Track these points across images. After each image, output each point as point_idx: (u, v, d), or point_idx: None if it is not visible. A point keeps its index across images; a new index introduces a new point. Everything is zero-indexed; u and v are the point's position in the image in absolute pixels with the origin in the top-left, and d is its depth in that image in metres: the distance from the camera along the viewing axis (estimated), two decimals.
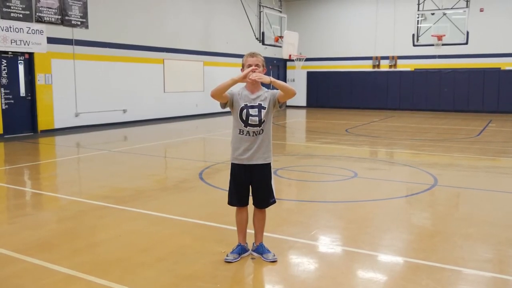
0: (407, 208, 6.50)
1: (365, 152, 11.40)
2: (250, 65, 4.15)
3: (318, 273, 4.18)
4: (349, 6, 25.54)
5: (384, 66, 25.06)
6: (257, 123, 4.18)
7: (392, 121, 19.09)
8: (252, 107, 4.18)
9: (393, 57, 24.73)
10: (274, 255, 4.35)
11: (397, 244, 4.96)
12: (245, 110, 4.17)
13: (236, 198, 4.34)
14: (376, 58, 25.11)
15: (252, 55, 4.21)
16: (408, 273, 4.19)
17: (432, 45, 20.52)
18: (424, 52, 22.99)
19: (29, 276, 4.05)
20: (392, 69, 24.84)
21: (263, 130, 4.22)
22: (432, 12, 20.51)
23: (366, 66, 25.49)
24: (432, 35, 20.40)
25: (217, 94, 4.09)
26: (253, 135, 4.21)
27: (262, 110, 4.18)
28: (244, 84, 4.23)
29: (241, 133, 4.23)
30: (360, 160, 10.06)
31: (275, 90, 4.23)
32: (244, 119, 4.18)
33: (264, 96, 4.21)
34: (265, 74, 4.20)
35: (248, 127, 4.19)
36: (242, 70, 4.20)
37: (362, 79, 25.45)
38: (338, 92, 26.03)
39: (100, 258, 4.47)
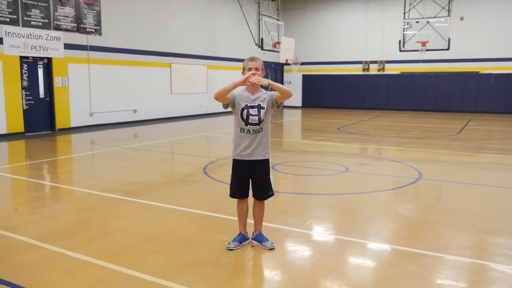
0: (393, 200, 6.50)
1: (355, 149, 11.39)
2: (250, 69, 4.14)
3: (313, 260, 4.18)
4: (341, 15, 25.47)
5: (373, 69, 25.02)
6: (257, 122, 4.17)
7: (380, 120, 19.07)
8: (252, 107, 4.17)
9: (381, 62, 24.69)
10: (272, 243, 4.35)
11: (385, 233, 4.97)
12: (245, 110, 4.17)
13: (237, 191, 4.34)
14: (366, 62, 25.07)
15: (252, 59, 4.20)
16: (395, 259, 4.19)
17: (417, 50, 20.48)
18: (409, 57, 22.95)
19: (48, 262, 4.05)
20: (380, 73, 24.80)
21: (262, 128, 4.21)
22: (417, 20, 20.45)
23: (356, 70, 25.45)
24: (417, 42, 20.37)
25: (220, 97, 4.09)
26: (253, 133, 4.20)
27: (261, 110, 4.17)
28: (245, 86, 4.23)
29: (242, 131, 4.22)
30: (351, 156, 10.06)
31: (273, 92, 4.22)
32: (245, 118, 4.17)
33: (263, 97, 4.20)
34: (264, 77, 4.19)
35: (248, 125, 4.18)
36: (243, 73, 4.19)
37: (353, 81, 25.42)
38: (331, 93, 26.00)
39: (112, 246, 4.47)
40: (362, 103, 25.11)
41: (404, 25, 20.65)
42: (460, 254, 4.27)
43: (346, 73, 25.65)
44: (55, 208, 6.05)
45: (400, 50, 20.86)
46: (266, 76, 4.26)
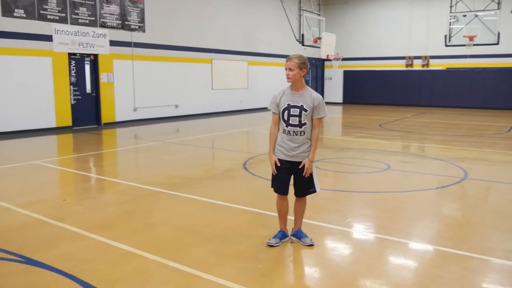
0: (437, 200, 6.32)
1: (397, 146, 11.14)
2: (285, 69, 4.14)
3: (352, 258, 4.13)
4: (384, 9, 24.90)
5: (417, 65, 24.33)
6: (297, 123, 4.12)
7: (424, 117, 18.56)
8: (295, 107, 4.12)
9: (425, 57, 23.98)
10: (311, 240, 4.33)
11: (428, 233, 4.84)
12: (287, 111, 4.13)
13: (278, 187, 4.33)
14: (409, 57, 24.41)
15: (288, 59, 4.17)
16: (438, 260, 4.08)
17: (464, 45, 19.75)
18: (456, 52, 22.15)
19: (94, 251, 4.20)
20: (425, 68, 24.09)
21: (304, 132, 4.14)
22: (464, 14, 19.73)
23: (399, 66, 24.83)
24: (464, 36, 19.64)
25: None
26: (293, 135, 4.16)
27: (303, 111, 4.11)
28: (289, 84, 4.21)
29: (284, 132, 4.20)
30: (393, 154, 9.85)
31: (317, 103, 4.11)
32: (286, 119, 4.14)
33: (308, 99, 4.12)
34: (304, 75, 4.15)
35: (289, 127, 4.15)
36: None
37: (395, 77, 24.82)
38: (373, 89, 25.52)
39: (154, 237, 4.58)
40: (405, 100, 24.50)
41: (450, 19, 19.97)
42: (508, 258, 4.10)
43: (388, 69, 25.09)
44: (101, 200, 6.26)
45: (446, 45, 20.19)
46: (307, 72, 4.21)
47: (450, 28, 19.96)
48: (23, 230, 3.82)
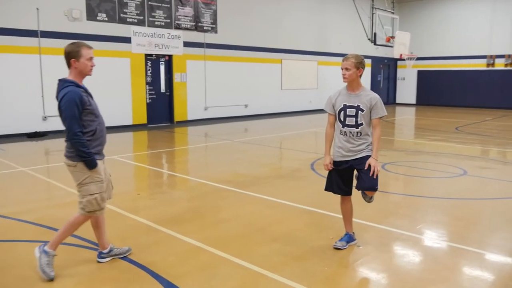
0: None
1: (475, 151, 10.50)
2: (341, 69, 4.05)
3: (423, 266, 3.95)
4: (463, 5, 23.56)
5: (499, 64, 22.77)
6: (354, 124, 4.02)
7: (506, 120, 17.34)
8: (351, 107, 4.02)
9: (509, 56, 22.39)
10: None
11: (508, 245, 4.50)
12: (343, 111, 4.05)
13: (335, 188, 4.23)
14: (491, 56, 22.90)
15: (344, 58, 4.07)
16: None
17: None
18: None
19: (165, 244, 4.36)
20: (508, 68, 22.49)
21: (361, 132, 4.04)
22: None
23: (479, 65, 23.38)
24: None
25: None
26: (350, 135, 4.06)
27: (359, 112, 4.00)
28: (346, 84, 4.12)
29: (341, 133, 4.12)
30: (470, 158, 9.30)
31: (374, 101, 4.00)
32: (342, 120, 4.06)
33: (365, 99, 4.01)
34: (361, 75, 4.04)
35: (345, 127, 4.06)
36: None
37: (474, 77, 23.40)
38: (449, 90, 24.26)
39: (222, 234, 4.68)
40: (484, 101, 23.03)
41: None
42: None
43: (466, 69, 23.72)
44: (172, 195, 6.50)
45: None
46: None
47: None
48: None
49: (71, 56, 3.59)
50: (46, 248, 3.63)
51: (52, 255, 3.63)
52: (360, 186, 4.14)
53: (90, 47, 3.68)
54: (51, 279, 3.54)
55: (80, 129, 3.51)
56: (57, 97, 3.60)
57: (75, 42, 3.67)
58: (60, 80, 3.64)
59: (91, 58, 3.66)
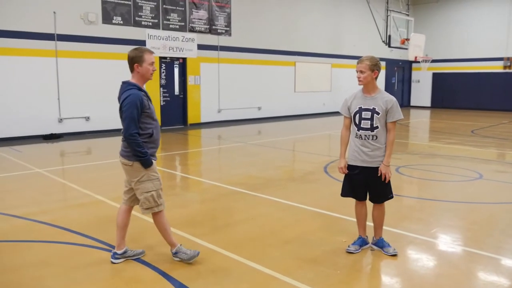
0: None
1: (491, 154, 10.35)
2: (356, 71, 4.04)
3: (437, 271, 3.90)
4: (479, 7, 23.26)
5: None
6: (369, 127, 3.99)
7: None
8: (366, 110, 4.00)
9: None
10: (394, 249, 4.16)
11: None
12: (358, 114, 4.03)
13: (352, 193, 4.22)
14: (508, 58, 22.56)
15: (359, 61, 4.03)
16: None
17: None
18: None
19: None
20: None
21: (376, 136, 4.00)
22: None
23: (495, 67, 23.06)
24: None
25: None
26: (365, 139, 4.03)
27: (375, 114, 3.97)
28: (361, 86, 4.10)
29: (356, 136, 4.09)
30: (486, 162, 9.17)
31: (390, 104, 3.96)
32: (357, 122, 4.04)
33: (381, 102, 3.98)
34: (376, 77, 4.01)
35: (360, 130, 4.04)
36: None
37: (491, 80, 23.08)
38: (465, 93, 23.95)
39: (234, 236, 4.68)
40: (501, 104, 22.69)
41: None
42: None
43: (483, 71, 23.40)
44: (185, 197, 6.53)
45: None
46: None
47: None
48: (113, 222, 4.11)
49: (134, 61, 3.72)
50: (172, 250, 3.98)
51: (179, 250, 3.95)
52: (372, 199, 4.21)
53: (152, 52, 3.82)
54: (196, 254, 3.94)
55: (136, 131, 3.65)
56: (119, 99, 3.75)
57: (138, 48, 3.81)
58: (123, 83, 3.78)
59: (152, 63, 3.79)
